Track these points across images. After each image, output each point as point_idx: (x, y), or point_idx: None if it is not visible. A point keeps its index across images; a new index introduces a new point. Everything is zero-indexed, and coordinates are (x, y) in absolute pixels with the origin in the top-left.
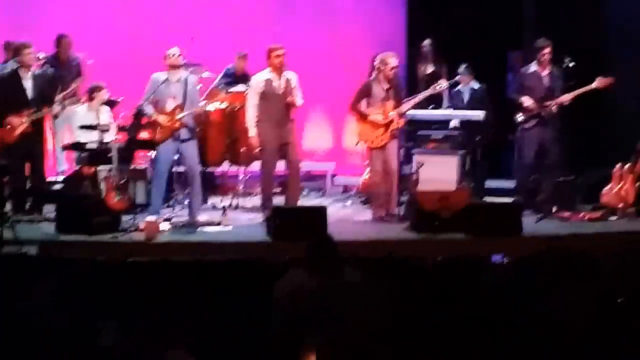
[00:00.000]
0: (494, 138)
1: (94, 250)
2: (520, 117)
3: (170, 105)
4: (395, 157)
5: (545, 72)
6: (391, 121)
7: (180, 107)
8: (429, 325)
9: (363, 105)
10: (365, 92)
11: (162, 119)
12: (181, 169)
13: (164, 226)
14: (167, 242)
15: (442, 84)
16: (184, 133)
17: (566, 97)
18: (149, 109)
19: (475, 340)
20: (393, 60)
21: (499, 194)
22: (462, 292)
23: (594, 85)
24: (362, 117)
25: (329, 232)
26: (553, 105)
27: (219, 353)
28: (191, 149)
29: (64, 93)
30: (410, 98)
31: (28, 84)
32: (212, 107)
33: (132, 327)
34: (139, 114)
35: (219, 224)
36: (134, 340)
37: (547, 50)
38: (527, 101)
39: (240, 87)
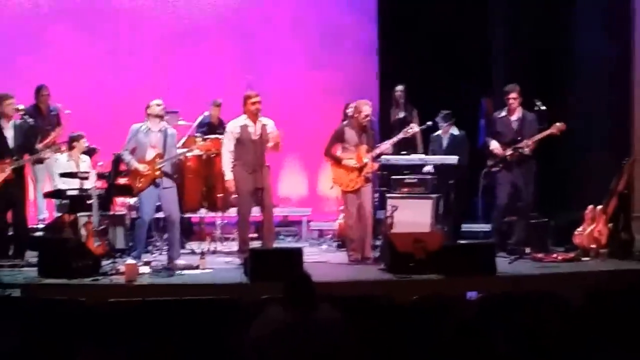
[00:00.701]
0: (468, 183)
1: (75, 292)
2: (489, 161)
3: (150, 154)
4: (370, 201)
5: (514, 117)
6: (364, 165)
7: (160, 155)
8: None
9: (337, 150)
10: (339, 137)
11: (142, 167)
12: (160, 215)
13: (144, 269)
14: (146, 284)
15: (414, 128)
16: (164, 181)
17: (527, 142)
18: (127, 157)
19: None
20: (367, 109)
21: (473, 237)
22: (437, 329)
23: (549, 131)
24: (336, 161)
25: (306, 272)
26: (518, 150)
27: None
28: (171, 196)
29: (44, 142)
30: (383, 142)
31: (9, 134)
32: (192, 153)
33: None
34: (117, 161)
35: (197, 267)
36: None
37: (513, 95)
38: (493, 145)
39: (214, 135)
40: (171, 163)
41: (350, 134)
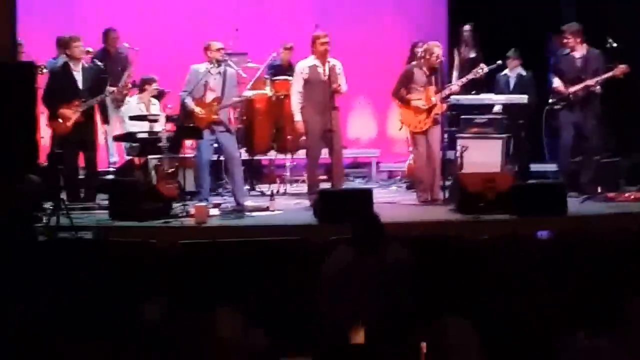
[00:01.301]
0: (538, 122)
1: (146, 235)
2: (551, 99)
3: (209, 97)
4: (439, 142)
5: (578, 54)
6: (433, 106)
7: (218, 100)
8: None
9: (405, 91)
10: (407, 78)
11: (198, 110)
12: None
13: (214, 212)
14: (216, 226)
15: (484, 68)
16: (219, 126)
17: (591, 81)
18: (188, 101)
19: (518, 316)
20: (438, 50)
21: (541, 177)
22: (507, 268)
23: (611, 73)
24: (405, 102)
25: (375, 212)
26: (580, 89)
27: (268, 324)
28: (228, 139)
29: (115, 85)
30: (452, 83)
31: (78, 76)
32: (253, 94)
33: (181, 302)
34: (182, 106)
35: (266, 209)
36: (181, 313)
37: (567, 35)
38: (556, 83)
39: (284, 76)
40: (228, 107)
41: (419, 75)
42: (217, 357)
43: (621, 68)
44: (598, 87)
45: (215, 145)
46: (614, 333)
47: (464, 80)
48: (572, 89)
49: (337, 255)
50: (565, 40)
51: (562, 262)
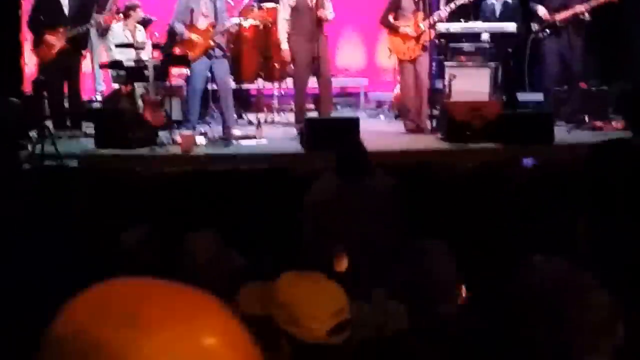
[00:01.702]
0: (525, 50)
1: (131, 163)
2: (534, 26)
3: (202, 23)
4: (426, 70)
5: None
6: (422, 33)
7: (213, 25)
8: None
9: (393, 18)
10: (395, 5)
11: (195, 37)
12: (214, 86)
13: (200, 140)
14: (202, 154)
15: None
16: (216, 51)
17: (580, 8)
18: (179, 27)
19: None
20: None
21: (531, 106)
22: (492, 194)
23: None
24: (393, 29)
25: (360, 140)
26: (568, 16)
27: (251, 250)
28: (222, 66)
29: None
30: (440, 9)
31: (65, 2)
32: (246, 23)
33: (161, 229)
34: (172, 31)
35: (253, 137)
36: (158, 238)
37: None
38: (541, 10)
39: (272, 4)
40: (224, 32)
41: (407, 1)
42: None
43: None
44: (586, 14)
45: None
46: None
47: (452, 5)
48: (560, 16)
49: (321, 183)
50: None
51: (543, 190)
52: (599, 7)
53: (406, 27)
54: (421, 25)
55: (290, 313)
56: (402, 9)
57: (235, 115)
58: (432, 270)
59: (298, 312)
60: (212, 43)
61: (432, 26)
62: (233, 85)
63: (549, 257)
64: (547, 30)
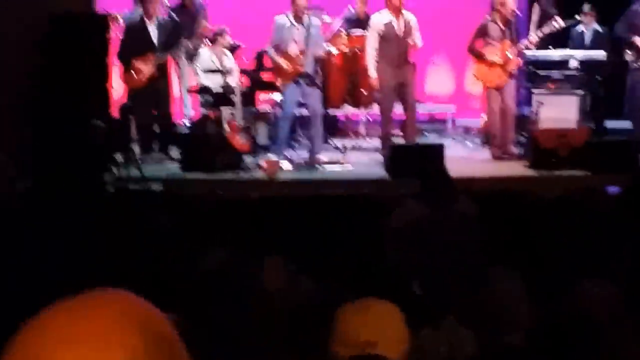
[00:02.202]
0: (615, 79)
1: (216, 187)
2: (629, 56)
3: (293, 49)
4: (513, 97)
5: None
6: (508, 60)
7: (303, 52)
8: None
9: (481, 45)
10: (482, 33)
11: (284, 63)
12: (303, 111)
13: (285, 165)
14: (287, 180)
15: (559, 21)
16: (307, 77)
17: None
18: (271, 52)
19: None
20: (511, 1)
21: (620, 134)
22: (577, 223)
23: None
24: (480, 57)
25: (445, 167)
26: None
27: (329, 276)
28: (314, 92)
29: (191, 39)
30: (527, 37)
31: (153, 30)
32: (335, 50)
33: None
34: (261, 57)
35: (339, 163)
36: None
37: None
38: (638, 40)
39: (360, 31)
40: (314, 58)
41: (494, 29)
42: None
43: None
44: None
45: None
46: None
47: (539, 33)
48: None
49: (405, 209)
50: None
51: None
52: None
53: (493, 54)
54: (508, 52)
55: (333, 335)
56: (489, 36)
57: (322, 142)
58: (503, 300)
59: (335, 335)
60: (301, 70)
61: (519, 53)
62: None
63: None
64: None
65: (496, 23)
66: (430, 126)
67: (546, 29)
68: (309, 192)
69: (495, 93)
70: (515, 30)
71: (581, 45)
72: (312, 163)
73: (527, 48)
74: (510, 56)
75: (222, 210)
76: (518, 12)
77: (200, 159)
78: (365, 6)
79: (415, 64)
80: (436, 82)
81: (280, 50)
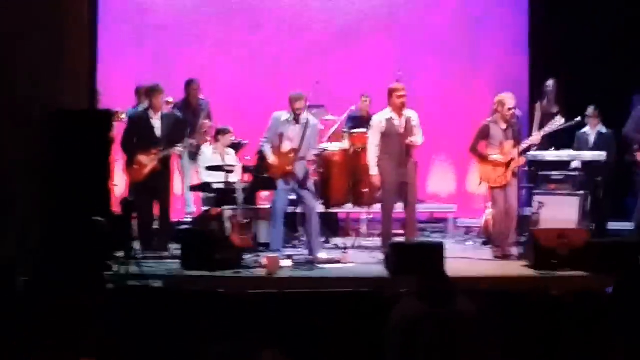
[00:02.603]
0: (618, 180)
1: (216, 284)
2: (634, 157)
3: (285, 146)
4: (516, 195)
5: None
6: (512, 160)
7: (295, 151)
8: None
9: (483, 146)
10: (484, 134)
11: (272, 160)
12: (300, 209)
13: (285, 263)
14: (287, 277)
15: (559, 121)
16: (300, 175)
17: None
18: (266, 149)
19: None
20: (510, 102)
21: (622, 236)
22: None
23: None
24: (482, 158)
25: (444, 267)
26: None
27: None
28: (307, 190)
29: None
30: (530, 137)
31: (157, 124)
32: (333, 147)
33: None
34: (261, 153)
35: (339, 262)
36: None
37: None
38: None
39: (361, 129)
40: (305, 159)
41: (495, 130)
42: None
43: None
44: None
45: (293, 197)
46: None
47: (541, 132)
48: None
49: (403, 307)
50: None
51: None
52: None
53: (495, 155)
54: (511, 152)
55: None
56: (491, 137)
57: (321, 240)
58: None
59: None
60: (288, 169)
61: (521, 153)
62: (321, 209)
63: None
64: None
65: (497, 124)
66: (432, 225)
67: (547, 129)
68: (308, 288)
69: (500, 192)
70: (517, 130)
71: (586, 147)
72: (312, 262)
73: (530, 148)
74: (513, 156)
75: (221, 305)
76: (518, 113)
77: (201, 256)
78: (368, 105)
79: (418, 163)
80: (438, 181)
81: (275, 146)
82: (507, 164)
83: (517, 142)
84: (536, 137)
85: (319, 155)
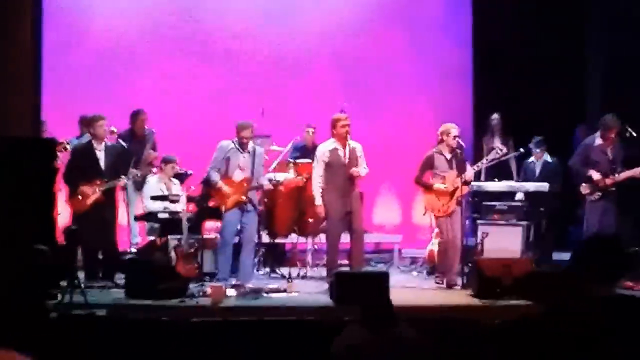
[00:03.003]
0: (562, 210)
1: (160, 313)
2: (585, 189)
3: (238, 176)
4: (459, 224)
5: (610, 146)
6: (456, 189)
7: (248, 180)
8: None
9: (428, 177)
10: (429, 164)
11: (227, 189)
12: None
13: (231, 292)
14: (231, 306)
15: (503, 150)
16: (248, 205)
17: (621, 177)
18: (214, 176)
19: None
20: (454, 130)
21: (565, 265)
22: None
23: (632, 172)
24: (427, 187)
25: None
26: (613, 182)
27: None
28: (252, 219)
29: (139, 168)
30: (474, 166)
31: (101, 155)
32: (283, 178)
33: None
34: (208, 184)
35: (284, 291)
36: None
37: (615, 131)
38: (595, 175)
39: (306, 160)
40: (257, 188)
41: (440, 160)
42: None
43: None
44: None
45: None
46: None
47: (483, 162)
48: (616, 179)
49: (347, 333)
50: (611, 135)
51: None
52: None
53: (440, 184)
54: (454, 182)
55: None
56: (436, 167)
57: (267, 270)
58: None
59: None
60: (244, 198)
61: (465, 183)
62: (266, 238)
63: None
64: (599, 193)
65: (442, 154)
66: (377, 256)
67: (490, 156)
68: (252, 317)
69: (445, 221)
70: (461, 159)
71: (532, 176)
72: (257, 291)
73: (470, 181)
74: (457, 185)
75: (165, 334)
76: (461, 143)
77: (146, 286)
78: (313, 136)
79: (363, 193)
80: (383, 212)
81: (223, 175)
82: (452, 193)
83: (461, 172)
84: (477, 168)
85: (277, 184)
